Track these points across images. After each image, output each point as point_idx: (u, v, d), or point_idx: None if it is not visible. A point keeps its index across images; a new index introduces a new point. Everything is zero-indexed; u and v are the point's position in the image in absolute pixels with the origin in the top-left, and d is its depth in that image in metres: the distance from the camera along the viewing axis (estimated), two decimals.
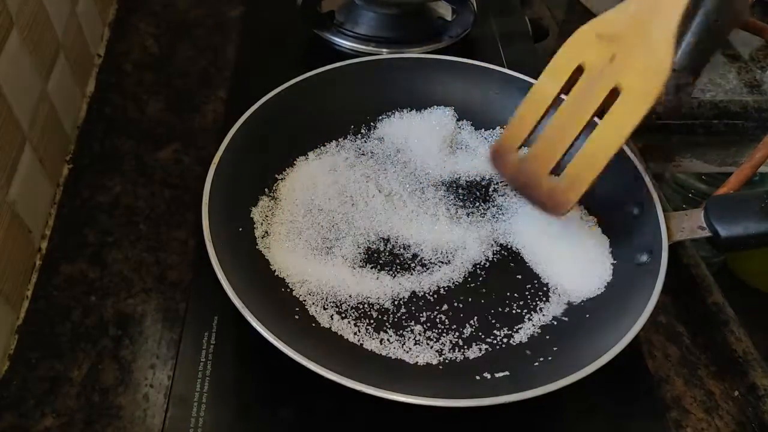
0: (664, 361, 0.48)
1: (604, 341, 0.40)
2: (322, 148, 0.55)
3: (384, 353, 0.43)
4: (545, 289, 0.48)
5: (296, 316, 0.44)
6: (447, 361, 0.43)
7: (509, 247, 0.50)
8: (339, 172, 0.53)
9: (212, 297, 0.44)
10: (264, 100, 0.53)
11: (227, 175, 0.48)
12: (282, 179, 0.52)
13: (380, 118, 0.58)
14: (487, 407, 0.37)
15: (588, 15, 0.79)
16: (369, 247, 0.49)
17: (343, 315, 0.45)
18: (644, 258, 0.46)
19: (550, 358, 0.43)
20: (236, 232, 0.47)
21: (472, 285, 0.48)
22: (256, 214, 0.49)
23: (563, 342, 0.44)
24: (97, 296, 0.49)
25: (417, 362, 0.43)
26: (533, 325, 0.45)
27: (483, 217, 0.52)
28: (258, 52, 0.67)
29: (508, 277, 0.48)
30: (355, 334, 0.44)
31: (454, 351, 0.44)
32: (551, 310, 0.46)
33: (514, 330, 0.45)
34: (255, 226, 0.49)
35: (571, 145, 0.45)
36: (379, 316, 0.45)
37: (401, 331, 0.44)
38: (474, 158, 0.56)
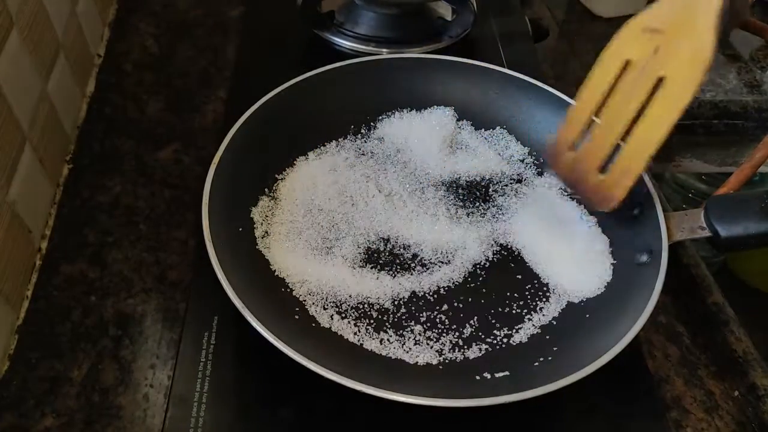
0: (664, 361, 0.48)
1: (604, 341, 0.40)
2: (322, 148, 0.55)
3: (384, 353, 0.43)
4: (545, 289, 0.48)
5: (296, 316, 0.44)
6: (447, 361, 0.43)
7: (509, 247, 0.50)
8: (339, 172, 0.53)
9: (212, 297, 0.44)
10: (264, 100, 0.53)
11: (227, 175, 0.48)
12: (282, 179, 0.52)
13: (380, 118, 0.58)
14: (487, 407, 0.37)
15: (588, 15, 0.79)
16: (369, 247, 0.49)
17: (343, 315, 0.45)
18: (644, 258, 0.46)
19: (550, 358, 0.43)
20: (236, 232, 0.47)
21: (472, 285, 0.48)
22: (256, 214, 0.49)
23: (563, 342, 0.44)
24: (97, 296, 0.49)
25: (417, 362, 0.43)
26: (533, 325, 0.45)
27: (483, 217, 0.52)
28: (258, 52, 0.67)
29: (508, 277, 0.48)
30: (355, 334, 0.44)
31: (454, 351, 0.44)
32: (551, 310, 0.46)
33: (514, 330, 0.45)
34: (255, 226, 0.49)
35: (623, 139, 0.44)
36: (379, 316, 0.45)
37: (401, 331, 0.44)
38: (474, 158, 0.56)
